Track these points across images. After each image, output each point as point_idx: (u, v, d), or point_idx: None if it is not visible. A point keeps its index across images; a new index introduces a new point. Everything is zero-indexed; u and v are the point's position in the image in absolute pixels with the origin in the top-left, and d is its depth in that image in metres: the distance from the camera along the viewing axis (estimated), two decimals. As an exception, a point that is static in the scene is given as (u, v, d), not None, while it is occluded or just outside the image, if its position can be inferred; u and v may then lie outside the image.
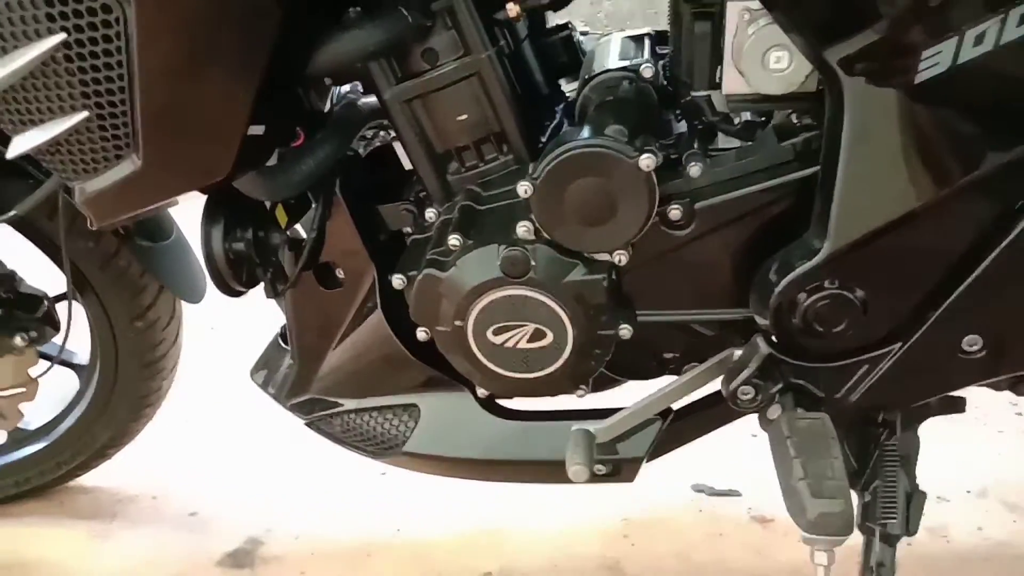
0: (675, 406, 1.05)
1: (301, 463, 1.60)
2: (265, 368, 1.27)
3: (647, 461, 1.06)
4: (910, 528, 0.95)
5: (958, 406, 0.99)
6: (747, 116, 0.94)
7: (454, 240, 0.93)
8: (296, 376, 1.18)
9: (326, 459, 1.40)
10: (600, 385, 1.09)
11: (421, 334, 1.00)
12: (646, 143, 0.87)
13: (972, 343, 0.87)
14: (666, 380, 1.05)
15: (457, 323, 0.95)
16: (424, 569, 1.40)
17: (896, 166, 0.81)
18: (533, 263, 0.91)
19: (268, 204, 1.08)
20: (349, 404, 1.16)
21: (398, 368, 1.10)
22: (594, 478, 1.04)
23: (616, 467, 1.06)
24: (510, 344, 0.96)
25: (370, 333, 1.10)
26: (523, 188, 0.88)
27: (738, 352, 0.96)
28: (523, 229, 0.91)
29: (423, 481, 1.23)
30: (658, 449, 1.06)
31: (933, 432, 1.10)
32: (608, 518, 1.48)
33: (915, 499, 0.96)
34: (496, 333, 0.95)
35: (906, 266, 0.85)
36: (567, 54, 1.06)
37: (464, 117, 0.96)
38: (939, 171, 0.81)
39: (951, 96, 0.78)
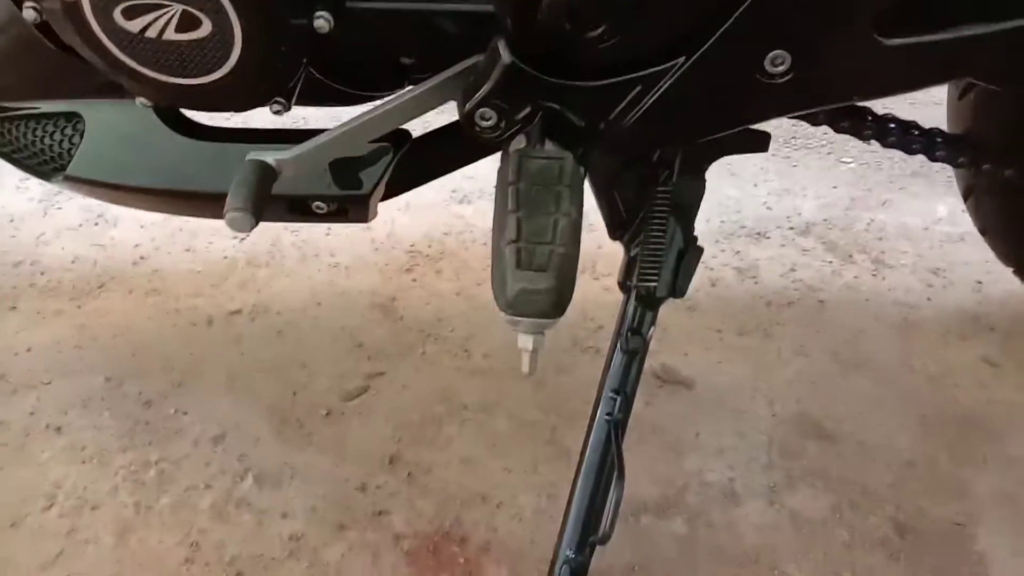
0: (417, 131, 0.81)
1: None
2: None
3: (380, 199, 0.83)
4: (677, 290, 0.79)
5: (759, 143, 0.77)
6: None
7: None
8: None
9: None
10: (330, 99, 0.83)
11: (28, 12, 0.69)
12: None
13: (777, 61, 0.63)
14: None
15: (65, -4, 0.64)
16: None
17: None
18: (157, -98, 0.59)
19: None
20: (7, 108, 0.87)
21: (45, 62, 0.79)
22: (304, 218, 0.82)
23: (341, 205, 0.83)
24: (152, 34, 0.66)
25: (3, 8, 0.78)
26: None
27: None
28: None
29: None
30: (394, 185, 0.83)
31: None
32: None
33: (688, 256, 0.78)
34: (127, 16, 0.65)
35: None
36: None
37: None
38: None
39: None
